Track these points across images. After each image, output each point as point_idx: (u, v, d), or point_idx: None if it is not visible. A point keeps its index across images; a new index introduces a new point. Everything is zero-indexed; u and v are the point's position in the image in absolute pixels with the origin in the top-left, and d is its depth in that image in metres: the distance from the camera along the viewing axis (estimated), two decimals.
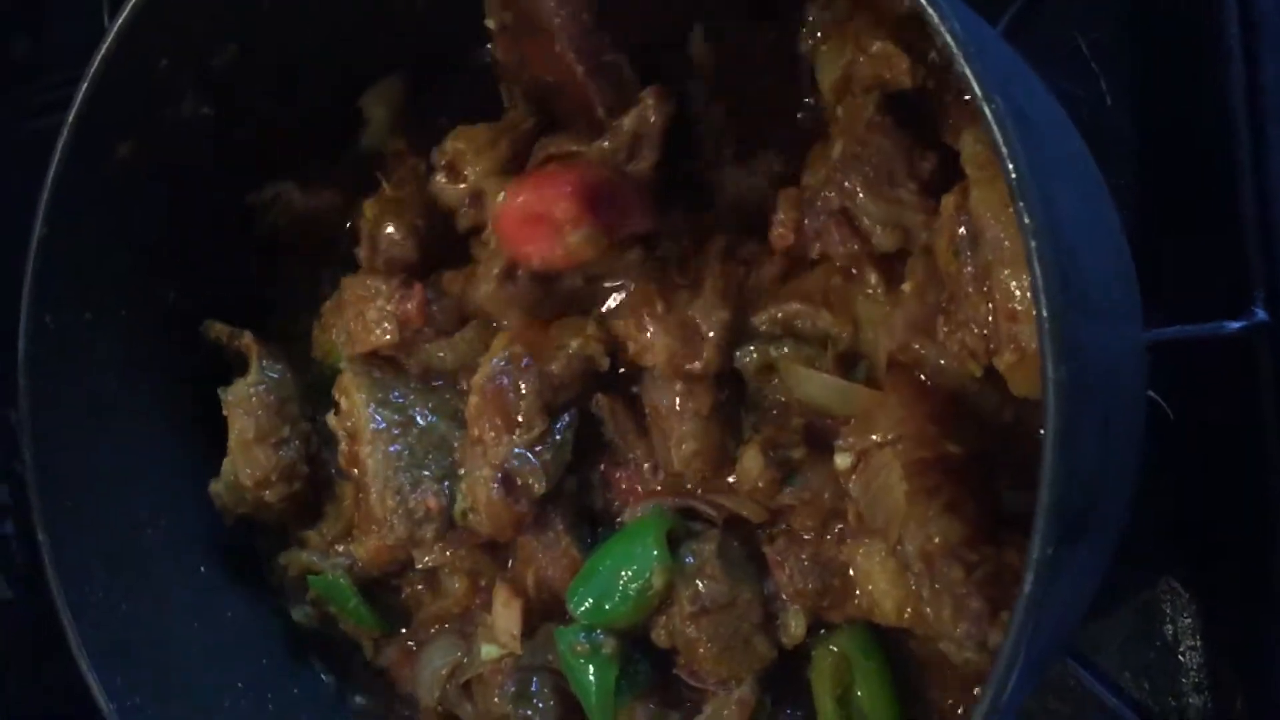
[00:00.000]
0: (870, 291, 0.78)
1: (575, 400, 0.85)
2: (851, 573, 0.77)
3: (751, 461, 0.80)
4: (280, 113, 0.94)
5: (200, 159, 0.92)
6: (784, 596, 0.79)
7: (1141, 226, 0.87)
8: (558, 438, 0.85)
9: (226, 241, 0.97)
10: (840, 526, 0.78)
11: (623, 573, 0.80)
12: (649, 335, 0.82)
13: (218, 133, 0.91)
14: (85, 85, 0.83)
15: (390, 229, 0.91)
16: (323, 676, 0.99)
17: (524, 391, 0.84)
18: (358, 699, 0.98)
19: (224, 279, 0.98)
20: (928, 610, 0.70)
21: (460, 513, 0.87)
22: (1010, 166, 0.57)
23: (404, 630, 0.96)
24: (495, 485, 0.83)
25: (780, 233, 0.81)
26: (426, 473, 0.89)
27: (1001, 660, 0.58)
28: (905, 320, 0.76)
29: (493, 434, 0.84)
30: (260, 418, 0.93)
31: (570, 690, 0.84)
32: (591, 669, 0.81)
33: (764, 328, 0.82)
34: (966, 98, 0.59)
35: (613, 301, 0.86)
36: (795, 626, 0.79)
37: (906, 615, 0.74)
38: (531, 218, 0.79)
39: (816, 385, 0.79)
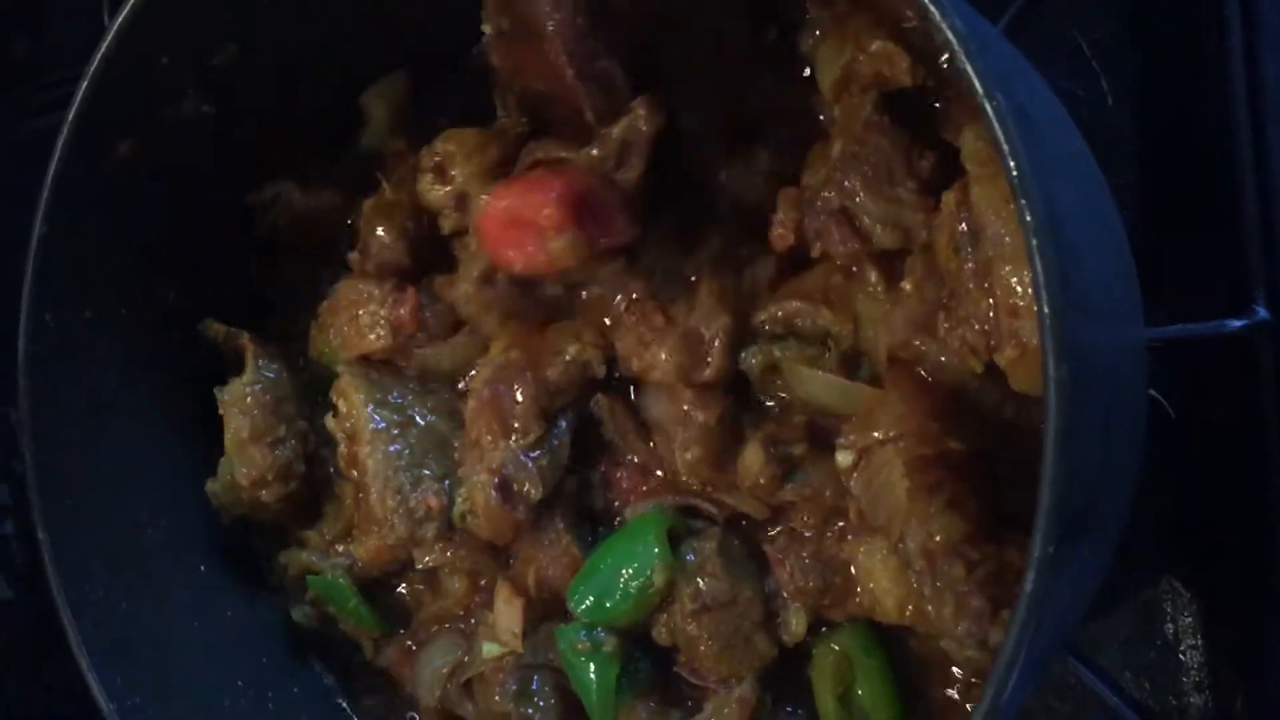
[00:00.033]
0: (870, 289, 0.79)
1: (572, 405, 0.85)
2: (853, 571, 0.77)
3: (753, 458, 0.80)
4: (281, 112, 0.94)
5: (200, 158, 0.92)
6: (785, 594, 0.80)
7: (1143, 225, 0.88)
8: (555, 442, 0.85)
9: (227, 241, 0.97)
10: (841, 524, 0.78)
11: (624, 571, 0.80)
12: (653, 352, 0.82)
13: (218, 132, 0.91)
14: (85, 83, 0.83)
15: (381, 231, 0.91)
16: (323, 676, 0.99)
17: (520, 398, 0.84)
18: (358, 698, 0.98)
19: (224, 278, 0.98)
20: (928, 608, 0.70)
21: (459, 515, 0.87)
22: (1011, 164, 0.57)
23: (404, 630, 0.96)
24: (493, 492, 0.83)
25: (780, 233, 0.81)
26: (426, 472, 0.89)
27: (1002, 658, 0.58)
28: (905, 317, 0.76)
29: (489, 438, 0.85)
30: (256, 417, 0.93)
31: (571, 689, 0.84)
32: (592, 667, 0.81)
33: (766, 327, 0.82)
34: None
35: (605, 316, 0.85)
36: (796, 624, 0.79)
37: (908, 613, 0.74)
38: (515, 222, 0.78)
39: (819, 385, 0.79)
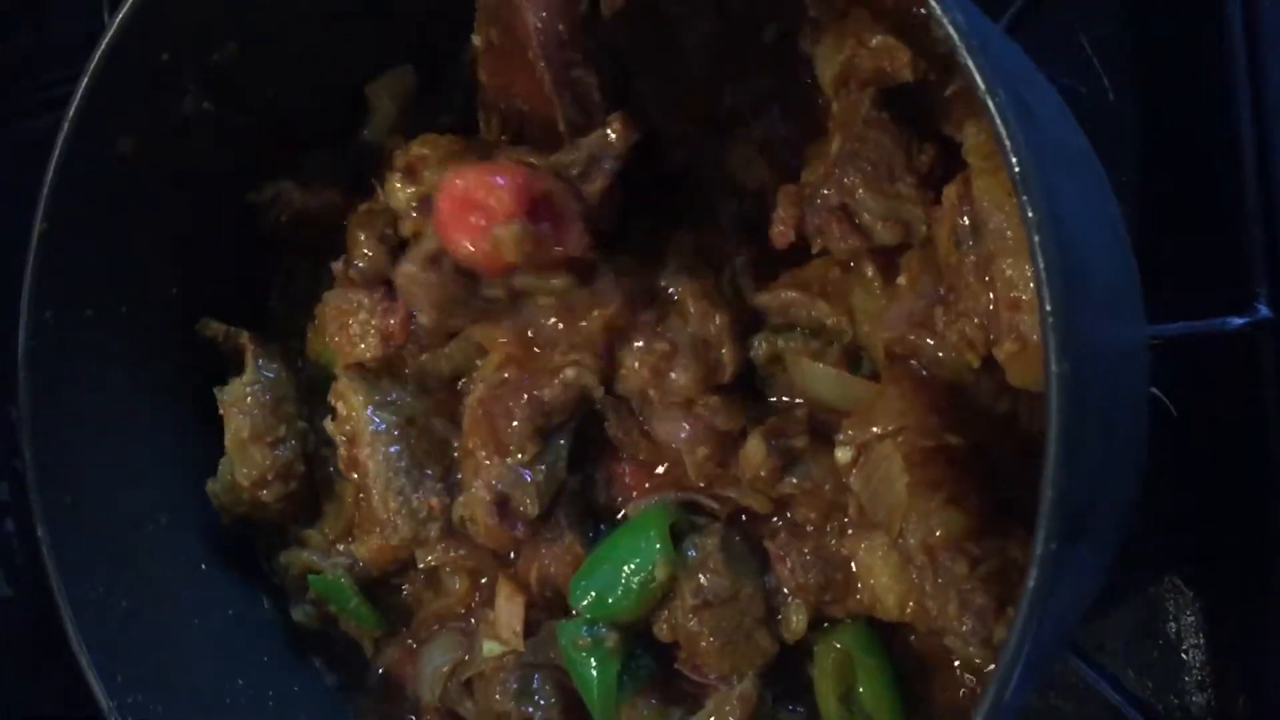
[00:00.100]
0: (867, 284, 0.79)
1: (569, 421, 0.85)
2: (853, 567, 0.77)
3: (754, 450, 0.80)
4: (281, 109, 0.94)
5: (201, 155, 0.92)
6: (786, 590, 0.80)
7: (1144, 222, 0.88)
8: (552, 457, 0.85)
9: (227, 238, 0.97)
10: (842, 520, 0.78)
11: (625, 566, 0.80)
12: (670, 378, 0.81)
13: (218, 129, 0.91)
14: (86, 80, 0.83)
15: (362, 239, 0.91)
16: (323, 674, 0.99)
17: (515, 418, 0.84)
18: (358, 697, 0.98)
19: (225, 277, 0.98)
20: (930, 604, 0.70)
21: (459, 519, 0.87)
22: (1014, 160, 0.56)
23: (404, 629, 0.96)
24: (489, 507, 0.84)
25: (780, 230, 0.81)
26: (428, 472, 0.89)
27: (1005, 656, 0.58)
28: (900, 312, 0.76)
29: (484, 454, 0.85)
30: (256, 417, 0.93)
31: (572, 687, 0.84)
32: (593, 663, 0.81)
33: (771, 317, 0.82)
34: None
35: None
36: (797, 621, 0.79)
37: (909, 610, 0.74)
38: (469, 203, 0.76)
39: (819, 377, 0.79)
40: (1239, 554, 0.87)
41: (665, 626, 0.81)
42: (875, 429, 0.74)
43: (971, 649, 0.69)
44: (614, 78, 0.83)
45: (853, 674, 0.78)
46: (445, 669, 0.91)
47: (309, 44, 0.91)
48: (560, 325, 0.83)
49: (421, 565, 0.90)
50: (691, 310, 0.82)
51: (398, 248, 0.89)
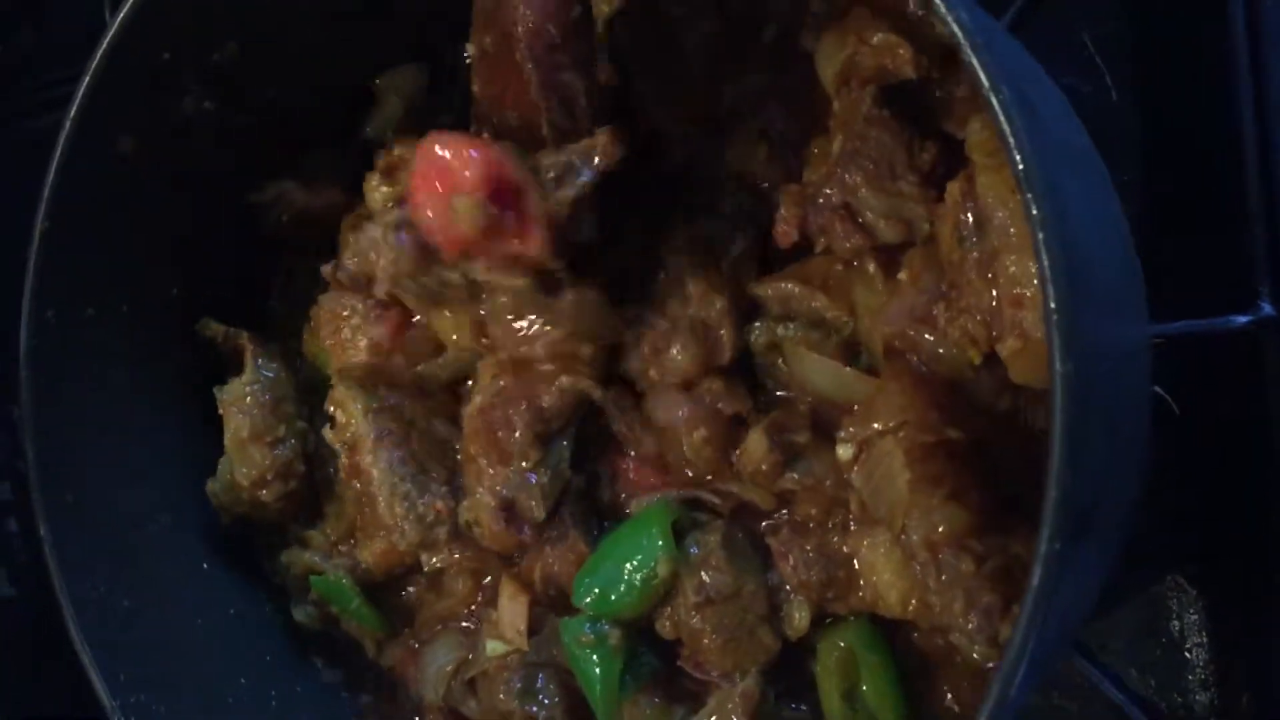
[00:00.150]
0: (868, 280, 0.79)
1: (569, 424, 0.85)
2: (856, 564, 0.77)
3: (756, 444, 0.80)
4: (283, 108, 0.94)
5: (202, 154, 0.92)
6: (788, 587, 0.80)
7: (1147, 221, 0.88)
8: (555, 460, 0.85)
9: (229, 238, 0.97)
10: (844, 517, 0.78)
11: (628, 563, 0.81)
12: (668, 355, 0.82)
13: (220, 128, 0.91)
14: (87, 79, 0.83)
15: (352, 240, 0.91)
16: (325, 673, 0.98)
17: (516, 426, 0.84)
18: (361, 696, 0.98)
19: (226, 276, 0.98)
20: (934, 601, 0.70)
21: (465, 523, 0.87)
22: (1018, 157, 0.56)
23: (407, 630, 0.95)
24: (496, 513, 0.84)
25: (783, 230, 0.81)
26: (432, 475, 0.89)
27: (1009, 654, 0.58)
28: (901, 308, 0.76)
29: (486, 462, 0.85)
30: (255, 416, 0.93)
31: (576, 686, 0.84)
32: (596, 659, 0.81)
33: (770, 307, 0.82)
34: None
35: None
36: (799, 618, 0.79)
37: (911, 607, 0.74)
38: (439, 168, 0.76)
39: (817, 368, 0.80)
40: (1242, 552, 0.87)
41: (668, 624, 0.81)
42: (876, 425, 0.74)
43: (977, 647, 0.68)
44: (611, 85, 0.84)
45: (856, 671, 0.78)
46: (449, 668, 0.91)
47: (309, 44, 0.91)
48: (518, 329, 0.82)
49: (427, 568, 0.90)
50: (692, 292, 0.82)
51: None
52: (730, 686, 0.81)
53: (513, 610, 0.86)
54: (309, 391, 0.96)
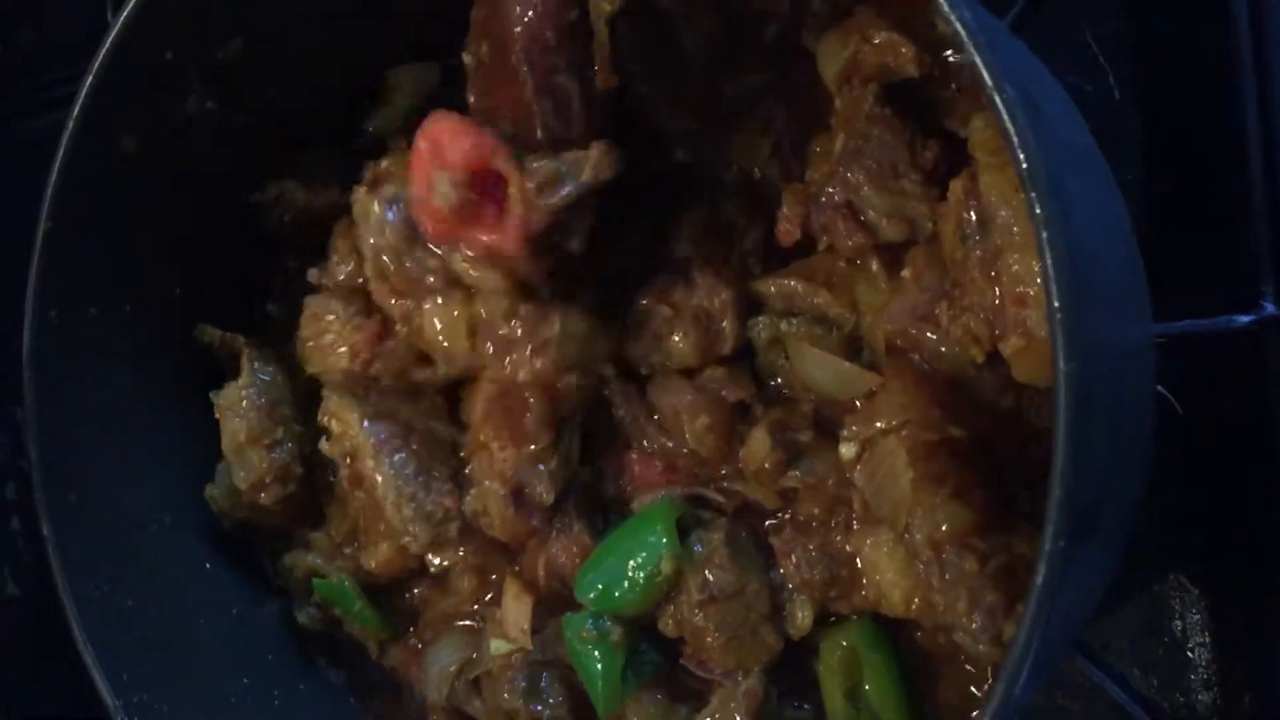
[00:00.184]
0: (871, 278, 0.79)
1: (581, 409, 0.85)
2: (859, 563, 0.77)
3: (759, 443, 0.80)
4: (283, 108, 0.94)
5: (205, 154, 0.92)
6: (791, 586, 0.80)
7: (1150, 220, 0.87)
8: (565, 445, 0.85)
9: (230, 237, 0.97)
10: (847, 516, 0.78)
11: (631, 560, 0.81)
12: (671, 341, 0.82)
13: (222, 127, 0.91)
14: (90, 79, 0.83)
15: (340, 247, 0.91)
16: (328, 673, 0.98)
17: (530, 409, 0.84)
18: (364, 696, 0.98)
19: (226, 276, 0.98)
20: (938, 600, 0.70)
21: (471, 513, 0.87)
22: (1021, 156, 0.56)
23: (410, 631, 0.95)
24: (506, 498, 0.83)
25: (786, 228, 0.81)
26: (435, 474, 0.89)
27: (1014, 653, 0.58)
28: (903, 305, 0.76)
29: (498, 446, 0.84)
30: (252, 420, 0.92)
31: (580, 685, 0.84)
32: (597, 655, 0.81)
33: (774, 304, 0.82)
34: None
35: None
36: (802, 617, 0.79)
37: (914, 606, 0.74)
38: (433, 142, 0.76)
39: (818, 363, 0.80)
40: (1245, 552, 0.87)
41: (670, 621, 0.81)
42: (879, 424, 0.74)
43: (981, 646, 0.68)
44: (610, 86, 0.84)
45: (859, 671, 0.78)
46: (453, 668, 0.91)
47: (310, 43, 0.91)
48: (505, 357, 0.82)
49: (433, 569, 0.90)
50: (698, 281, 0.82)
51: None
52: (733, 685, 0.81)
53: (517, 610, 0.86)
54: (307, 394, 0.96)
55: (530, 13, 0.71)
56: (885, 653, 0.79)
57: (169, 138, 0.89)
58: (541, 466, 0.84)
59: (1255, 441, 0.86)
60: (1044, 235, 0.56)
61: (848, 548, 0.77)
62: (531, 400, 0.83)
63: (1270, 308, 0.83)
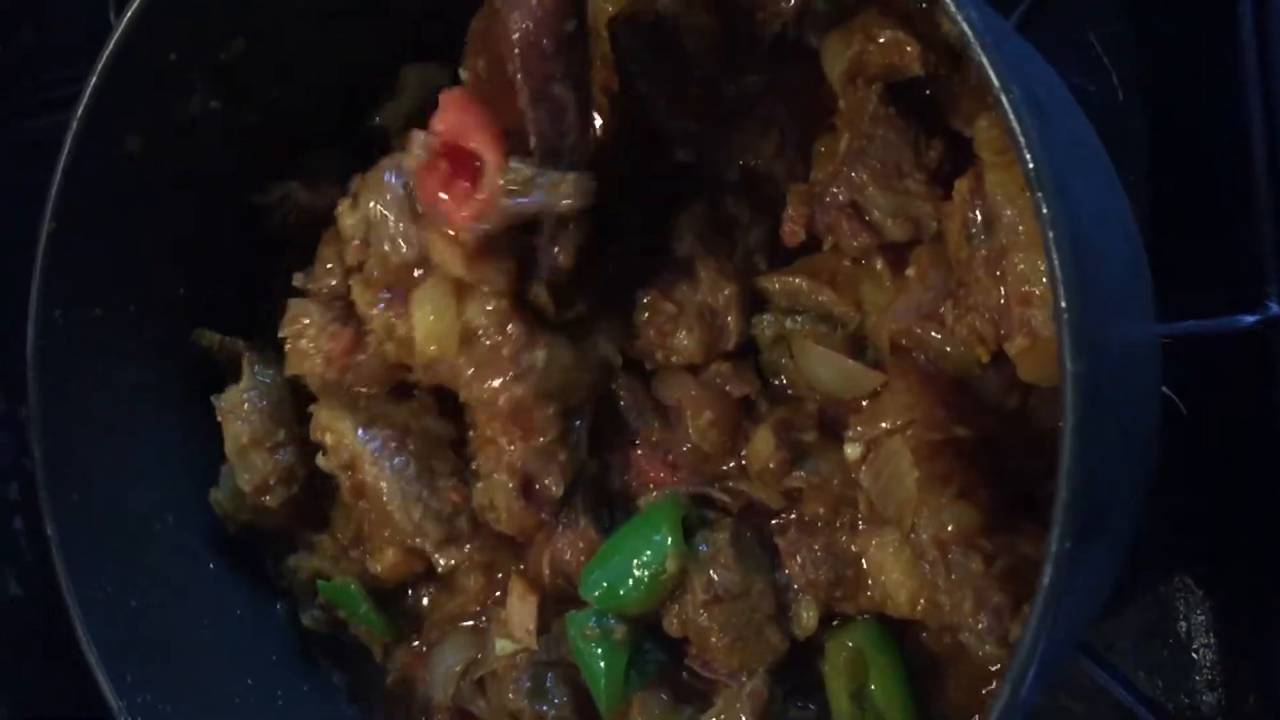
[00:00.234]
0: (876, 277, 0.79)
1: (589, 400, 0.85)
2: (864, 564, 0.77)
3: (763, 442, 0.80)
4: (286, 108, 0.94)
5: (207, 153, 0.92)
6: (796, 587, 0.79)
7: (1155, 220, 0.87)
8: (574, 437, 0.85)
9: (234, 237, 0.96)
10: (852, 516, 0.78)
11: (636, 558, 0.80)
12: (675, 338, 0.82)
13: (225, 127, 0.91)
14: (94, 79, 0.83)
15: (327, 253, 0.91)
16: (332, 674, 0.98)
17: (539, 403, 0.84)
18: (368, 697, 0.98)
19: (229, 276, 0.98)
20: (944, 600, 0.70)
21: (478, 507, 0.87)
22: (1028, 156, 0.56)
23: (415, 634, 0.95)
24: (514, 491, 0.83)
25: (791, 229, 0.82)
26: (438, 470, 0.88)
27: (1020, 655, 0.58)
28: (908, 305, 0.76)
29: (507, 439, 0.84)
30: (254, 422, 0.92)
31: (585, 685, 0.84)
32: (601, 653, 0.81)
33: (778, 301, 0.82)
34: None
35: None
36: (807, 618, 0.79)
37: (920, 606, 0.74)
38: (439, 106, 0.77)
39: (821, 361, 0.80)
40: (1250, 553, 0.87)
41: (675, 621, 0.81)
42: (884, 424, 0.74)
43: (987, 646, 0.68)
44: (611, 87, 0.84)
45: (864, 671, 0.78)
46: (458, 668, 0.90)
47: (312, 42, 0.91)
48: (485, 381, 0.81)
49: (441, 569, 0.89)
50: (702, 277, 0.82)
51: (355, 269, 0.88)
52: (738, 686, 0.81)
53: (522, 610, 0.86)
54: (308, 396, 0.95)
55: (529, 22, 0.71)
56: (891, 653, 0.78)
57: (173, 138, 0.89)
58: (551, 459, 0.84)
59: (1260, 442, 0.86)
60: (1050, 235, 0.56)
61: (853, 548, 0.77)
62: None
63: (1275, 308, 0.83)
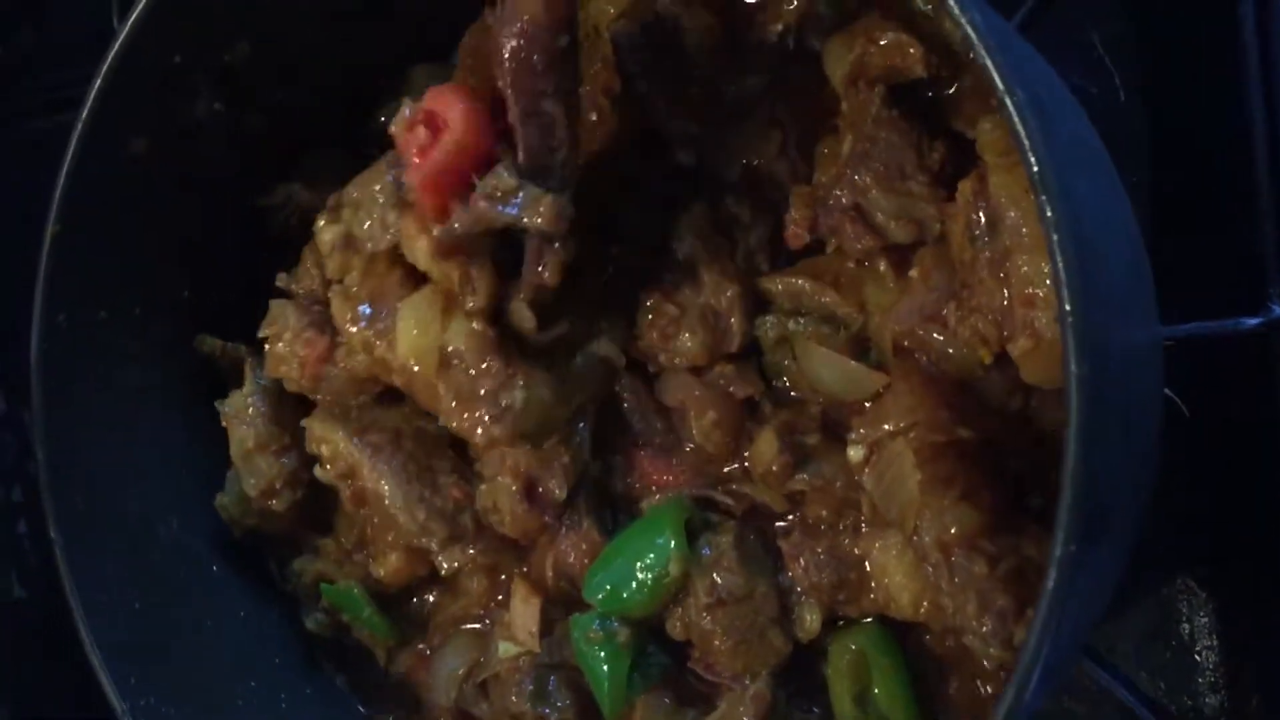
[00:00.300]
0: (880, 278, 0.79)
1: (593, 399, 0.85)
2: (867, 566, 0.77)
3: (766, 445, 0.80)
4: (289, 109, 0.94)
5: (213, 156, 0.92)
6: (799, 590, 0.79)
7: (1157, 223, 0.88)
8: (577, 439, 0.85)
9: (237, 239, 0.97)
10: (855, 519, 0.78)
11: (639, 561, 0.80)
12: (679, 340, 0.82)
13: (231, 129, 0.91)
14: (99, 82, 0.83)
15: (311, 256, 0.91)
16: (335, 676, 0.98)
17: None
18: (371, 700, 0.98)
19: (234, 279, 0.98)
20: (947, 602, 0.70)
21: (482, 509, 0.87)
22: (1032, 159, 0.57)
23: (418, 637, 0.95)
24: (518, 494, 0.83)
25: (794, 231, 0.82)
26: (437, 468, 0.88)
27: (1024, 658, 0.58)
28: (911, 306, 0.76)
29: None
30: (259, 427, 0.92)
31: (588, 688, 0.84)
32: (604, 656, 0.81)
33: (781, 303, 0.82)
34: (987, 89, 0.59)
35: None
36: (810, 620, 0.79)
37: (923, 609, 0.74)
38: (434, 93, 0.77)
39: (824, 362, 0.80)
40: (1252, 555, 0.87)
41: (679, 625, 0.81)
42: (887, 426, 0.74)
43: (992, 650, 0.68)
44: (612, 90, 0.84)
45: (868, 674, 0.78)
46: (461, 671, 0.90)
47: (314, 44, 0.91)
48: (464, 414, 0.80)
49: (444, 571, 0.89)
50: (704, 279, 0.82)
51: (336, 281, 0.88)
52: (741, 689, 0.81)
53: (525, 613, 0.86)
54: (309, 400, 0.96)
55: (520, 39, 0.71)
56: (894, 656, 0.78)
57: (177, 140, 0.89)
58: (554, 462, 0.84)
59: (1262, 444, 0.86)
60: (1054, 238, 0.56)
61: (856, 551, 0.77)
62: None
63: (1277, 310, 0.83)
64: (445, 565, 0.89)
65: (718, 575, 0.79)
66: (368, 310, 0.84)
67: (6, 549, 1.20)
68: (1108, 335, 0.59)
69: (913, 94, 0.77)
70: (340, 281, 0.86)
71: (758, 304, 0.84)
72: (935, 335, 0.75)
